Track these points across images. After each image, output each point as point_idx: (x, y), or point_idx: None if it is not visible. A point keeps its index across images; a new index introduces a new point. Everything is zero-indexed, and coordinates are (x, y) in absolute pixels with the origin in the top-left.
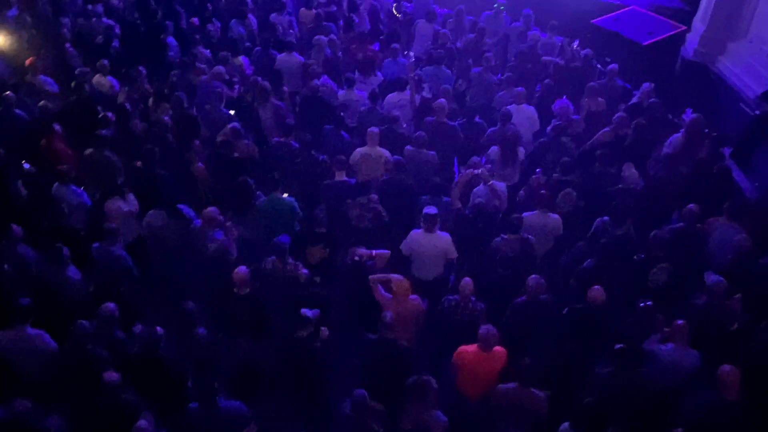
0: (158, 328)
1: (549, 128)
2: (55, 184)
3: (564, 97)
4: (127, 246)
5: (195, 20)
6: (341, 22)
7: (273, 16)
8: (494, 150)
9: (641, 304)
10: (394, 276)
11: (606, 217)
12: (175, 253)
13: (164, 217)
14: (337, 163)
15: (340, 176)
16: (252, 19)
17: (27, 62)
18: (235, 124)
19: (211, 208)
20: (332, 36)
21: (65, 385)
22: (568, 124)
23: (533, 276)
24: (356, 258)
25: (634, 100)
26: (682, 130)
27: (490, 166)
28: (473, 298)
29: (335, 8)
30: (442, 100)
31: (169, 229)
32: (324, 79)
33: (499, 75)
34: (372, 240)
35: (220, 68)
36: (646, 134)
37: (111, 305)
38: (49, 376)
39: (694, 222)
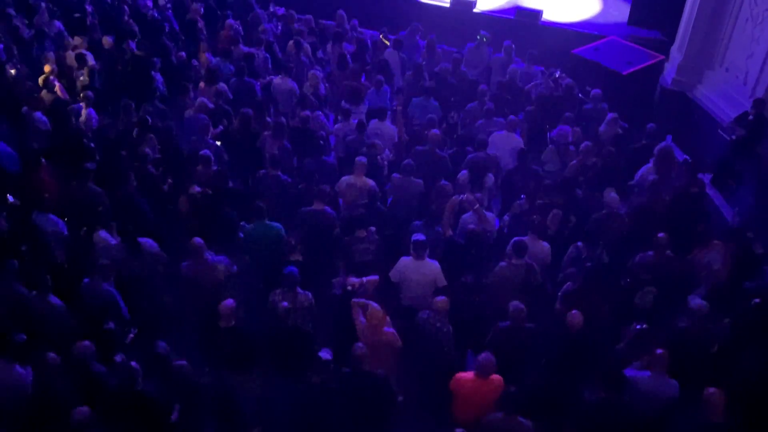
0: (133, 363)
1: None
2: (35, 212)
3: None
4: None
5: (182, 54)
6: (320, 53)
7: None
8: (463, 174)
9: (637, 326)
10: (372, 303)
11: (580, 243)
12: (139, 286)
13: (125, 250)
14: (317, 193)
15: (318, 206)
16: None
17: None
18: (206, 151)
19: (194, 239)
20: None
21: (36, 418)
22: (564, 146)
23: (514, 302)
24: (348, 288)
25: (601, 128)
26: (652, 159)
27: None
28: (445, 320)
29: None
30: (436, 130)
31: (128, 262)
32: (317, 111)
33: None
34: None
35: (204, 100)
36: (615, 162)
37: (86, 342)
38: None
39: (663, 250)
